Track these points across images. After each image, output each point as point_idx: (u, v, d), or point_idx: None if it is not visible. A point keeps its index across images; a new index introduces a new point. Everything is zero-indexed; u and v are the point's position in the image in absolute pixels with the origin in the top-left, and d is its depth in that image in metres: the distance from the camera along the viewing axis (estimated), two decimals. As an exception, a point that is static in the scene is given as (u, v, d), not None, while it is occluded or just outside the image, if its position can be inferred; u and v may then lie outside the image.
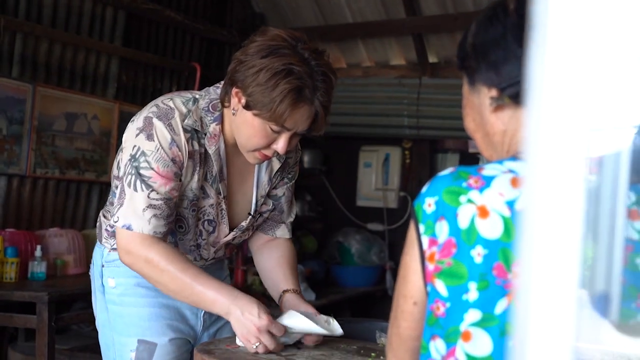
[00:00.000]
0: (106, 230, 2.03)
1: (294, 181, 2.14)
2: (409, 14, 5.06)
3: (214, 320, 2.10)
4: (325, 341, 1.98)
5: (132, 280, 1.99)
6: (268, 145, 1.81)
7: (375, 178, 5.55)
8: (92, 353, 3.68)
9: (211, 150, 1.88)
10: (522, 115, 1.13)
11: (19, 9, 3.85)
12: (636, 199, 1.07)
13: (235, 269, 4.45)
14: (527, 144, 0.47)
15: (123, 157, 1.87)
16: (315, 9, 5.36)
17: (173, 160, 1.82)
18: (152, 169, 1.80)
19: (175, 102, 1.87)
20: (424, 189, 1.10)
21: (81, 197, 4.28)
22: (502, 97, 1.13)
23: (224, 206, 1.96)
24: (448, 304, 1.04)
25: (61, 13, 4.08)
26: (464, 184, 1.06)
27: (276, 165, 2.03)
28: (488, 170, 1.07)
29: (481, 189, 1.04)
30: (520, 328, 0.47)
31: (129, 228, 1.82)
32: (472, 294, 1.02)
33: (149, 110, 1.86)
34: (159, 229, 1.83)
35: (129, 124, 1.91)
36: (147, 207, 1.81)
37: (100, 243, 2.07)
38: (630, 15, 0.48)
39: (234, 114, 1.83)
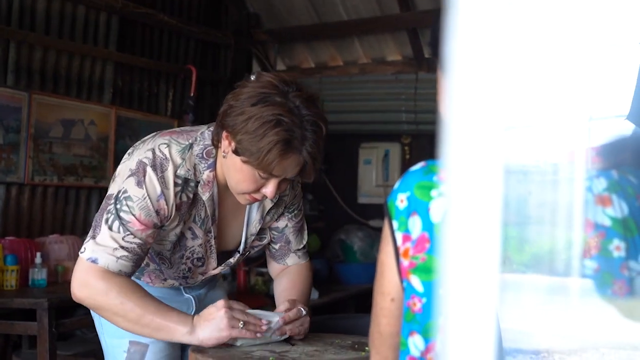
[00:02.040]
0: None
1: (297, 210, 2.13)
2: (403, 10, 5.06)
3: None
4: (320, 337, 1.99)
5: None
6: (257, 190, 1.81)
7: (375, 175, 5.55)
8: (96, 359, 3.70)
9: (205, 196, 1.88)
10: None
11: (12, 17, 3.86)
12: (607, 185, 1.06)
13: (237, 269, 4.45)
14: (445, 134, 0.47)
15: (110, 190, 1.86)
16: (309, 8, 5.36)
17: (157, 212, 1.81)
18: (134, 215, 1.79)
19: (172, 151, 1.84)
20: (396, 185, 1.10)
21: (80, 203, 4.30)
22: None
23: (213, 243, 1.97)
24: (424, 300, 1.04)
25: (54, 20, 4.09)
26: (435, 178, 1.05)
27: (268, 204, 2.02)
28: (460, 163, 1.07)
29: (453, 183, 1.04)
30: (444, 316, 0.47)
31: (94, 262, 1.78)
32: (446, 288, 1.02)
33: (144, 153, 1.83)
34: (125, 269, 1.81)
35: (125, 157, 1.90)
36: (120, 247, 1.79)
37: None
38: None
39: (224, 156, 1.82)
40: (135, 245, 1.80)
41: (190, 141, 1.87)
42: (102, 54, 4.36)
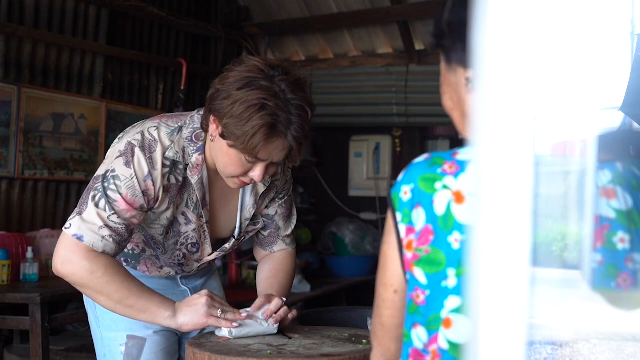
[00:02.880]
0: None
1: (287, 196, 2.14)
2: (393, 2, 5.05)
3: None
4: (317, 330, 1.99)
5: None
6: (245, 174, 1.82)
7: (366, 167, 5.55)
8: (89, 353, 3.68)
9: (194, 180, 1.89)
10: None
11: (1, 10, 3.82)
12: (612, 177, 1.06)
13: (229, 263, 4.45)
14: (474, 128, 0.46)
15: (99, 171, 1.87)
16: (299, 1, 5.34)
17: (144, 192, 1.82)
18: (121, 194, 1.79)
19: (161, 133, 1.85)
20: (400, 177, 1.09)
21: (71, 198, 4.27)
22: None
23: (206, 229, 1.97)
24: (428, 292, 1.04)
25: (44, 13, 4.06)
26: (439, 170, 1.05)
27: (261, 188, 2.03)
28: (462, 154, 1.07)
29: (456, 174, 1.04)
30: (474, 308, 0.47)
31: (79, 239, 1.78)
32: (451, 280, 1.02)
33: (134, 135, 1.85)
34: (109, 249, 1.81)
35: (116, 141, 1.90)
36: (105, 226, 1.79)
37: None
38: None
39: (212, 140, 1.84)
40: (120, 226, 1.81)
41: (179, 124, 1.89)
42: (92, 47, 4.33)
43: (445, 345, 1.03)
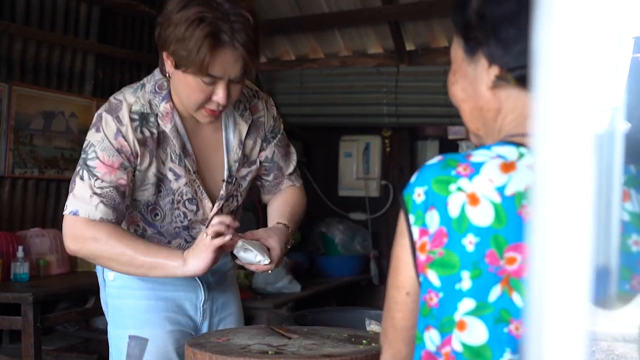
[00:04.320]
0: None
1: (280, 135, 2.14)
2: (384, 2, 5.05)
3: (216, 310, 2.12)
4: (315, 330, 1.99)
5: None
6: (209, 99, 1.83)
7: (356, 167, 5.55)
8: (79, 353, 3.67)
9: (167, 128, 1.91)
10: (520, 97, 1.12)
11: (-8, 8, 3.80)
12: (626, 179, 1.07)
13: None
14: (535, 127, 0.47)
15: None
16: (290, 0, 5.34)
17: (119, 150, 1.85)
18: (98, 158, 1.85)
19: (125, 94, 1.91)
20: (413, 179, 1.09)
21: (61, 196, 4.24)
22: (508, 78, 1.11)
23: (196, 180, 1.97)
24: (441, 294, 1.04)
25: (34, 11, 4.03)
26: (453, 172, 1.05)
27: (244, 127, 2.03)
28: (476, 156, 1.07)
29: (470, 176, 1.04)
30: (535, 315, 0.47)
31: (75, 214, 1.85)
32: (465, 283, 1.02)
33: (102, 107, 1.91)
34: (106, 215, 1.85)
35: None
36: (94, 194, 1.84)
37: None
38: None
39: (169, 77, 1.87)
40: (108, 190, 1.84)
41: (142, 82, 1.95)
42: (83, 45, 4.31)
43: (459, 348, 1.03)
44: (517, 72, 1.09)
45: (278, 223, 2.04)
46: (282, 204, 2.13)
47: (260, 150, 2.10)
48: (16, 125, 3.87)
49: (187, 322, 2.06)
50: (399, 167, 5.49)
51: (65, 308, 3.75)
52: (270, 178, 2.16)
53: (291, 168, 2.19)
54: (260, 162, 2.11)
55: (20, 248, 3.46)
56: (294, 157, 2.20)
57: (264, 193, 2.21)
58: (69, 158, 4.22)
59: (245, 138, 2.04)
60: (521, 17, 1.07)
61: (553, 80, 0.45)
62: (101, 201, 1.83)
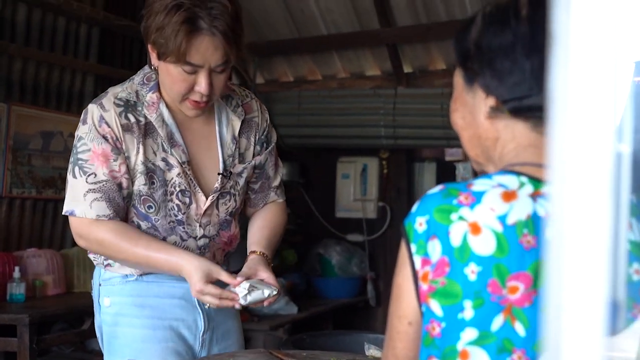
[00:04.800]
0: None
1: (273, 144, 2.15)
2: (382, 25, 5.08)
3: (216, 340, 2.06)
4: (315, 355, 1.98)
5: (127, 299, 1.97)
6: (191, 89, 1.84)
7: (353, 189, 5.55)
8: (73, 374, 3.64)
9: (152, 117, 1.91)
10: (517, 127, 1.12)
11: (-8, 28, 3.81)
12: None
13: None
14: (551, 157, 0.47)
15: None
16: (289, 21, 5.36)
17: (104, 137, 1.85)
18: (89, 149, 1.85)
19: (113, 87, 1.95)
20: (414, 208, 1.09)
21: (58, 216, 4.23)
22: (502, 109, 1.12)
23: (189, 172, 1.95)
24: (443, 324, 1.04)
25: (35, 31, 4.05)
26: (455, 201, 1.05)
27: (237, 123, 2.04)
28: (477, 185, 1.07)
29: (472, 205, 1.04)
30: (551, 346, 0.47)
31: (71, 214, 1.87)
32: (468, 312, 1.02)
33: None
34: (102, 211, 1.86)
35: None
36: (87, 191, 1.85)
37: (96, 264, 2.05)
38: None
39: (155, 68, 1.89)
40: (102, 184, 1.85)
41: (132, 77, 1.98)
42: (82, 66, 4.32)
43: (461, 378, 1.02)
44: (510, 104, 1.10)
45: (257, 252, 2.00)
46: (263, 227, 2.10)
47: (255, 154, 2.09)
48: (15, 145, 3.87)
49: (186, 350, 1.99)
50: (397, 188, 5.50)
51: (61, 329, 3.74)
52: (256, 187, 2.14)
53: (277, 181, 2.19)
54: (254, 168, 2.11)
55: (16, 268, 3.45)
56: (281, 171, 2.21)
57: (249, 205, 2.18)
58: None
59: (240, 135, 2.05)
60: (517, 50, 1.09)
61: (569, 114, 0.46)
62: (95, 198, 1.84)
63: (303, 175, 5.68)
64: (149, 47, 1.84)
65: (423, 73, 5.30)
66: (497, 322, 1.01)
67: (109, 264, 1.98)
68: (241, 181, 2.06)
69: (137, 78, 1.95)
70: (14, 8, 3.91)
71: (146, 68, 1.96)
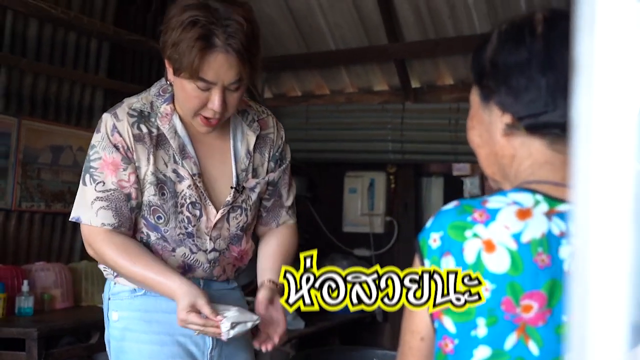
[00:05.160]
0: None
1: (288, 162, 2.14)
2: (391, 41, 5.10)
3: (225, 356, 2.02)
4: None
5: (135, 314, 1.96)
6: (204, 106, 1.84)
7: (360, 203, 5.55)
8: (81, 388, 3.64)
9: (165, 128, 1.92)
10: (534, 144, 1.13)
11: (4, 43, 3.83)
12: None
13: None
14: (574, 177, 0.48)
15: None
16: (297, 37, 5.39)
17: (116, 146, 1.87)
18: (100, 157, 1.87)
19: (129, 98, 1.97)
20: (429, 224, 1.10)
21: (67, 230, 4.25)
22: (518, 126, 1.12)
23: (199, 185, 1.95)
24: (457, 341, 1.04)
25: (45, 46, 4.07)
26: (469, 218, 1.05)
27: (252, 138, 2.03)
28: (492, 202, 1.07)
29: (486, 223, 1.04)
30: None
31: (77, 220, 1.89)
32: (481, 330, 1.02)
33: None
34: (107, 220, 1.86)
35: None
36: (95, 199, 1.86)
37: (106, 276, 2.05)
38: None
39: (171, 83, 1.90)
40: (110, 193, 1.86)
41: (149, 88, 2.00)
42: (92, 80, 4.34)
43: (474, 395, 1.02)
44: (526, 120, 1.11)
45: (271, 282, 1.98)
46: (276, 253, 2.08)
47: (269, 171, 2.09)
48: (24, 159, 3.89)
49: None
50: (404, 203, 5.50)
51: (68, 343, 3.73)
52: (269, 204, 2.12)
53: (290, 201, 2.17)
54: (267, 184, 2.10)
55: (25, 282, 3.46)
56: (294, 191, 2.19)
57: (260, 223, 2.16)
58: (76, 192, 4.21)
59: (254, 150, 2.05)
60: (532, 67, 1.09)
61: (592, 136, 0.46)
62: (102, 206, 1.85)
63: (310, 190, 5.68)
64: (166, 62, 1.85)
65: (431, 88, 5.31)
66: (511, 340, 1.01)
67: (117, 276, 1.97)
68: (253, 196, 2.05)
69: (154, 89, 1.97)
70: (25, 23, 3.94)
71: (163, 80, 1.98)
